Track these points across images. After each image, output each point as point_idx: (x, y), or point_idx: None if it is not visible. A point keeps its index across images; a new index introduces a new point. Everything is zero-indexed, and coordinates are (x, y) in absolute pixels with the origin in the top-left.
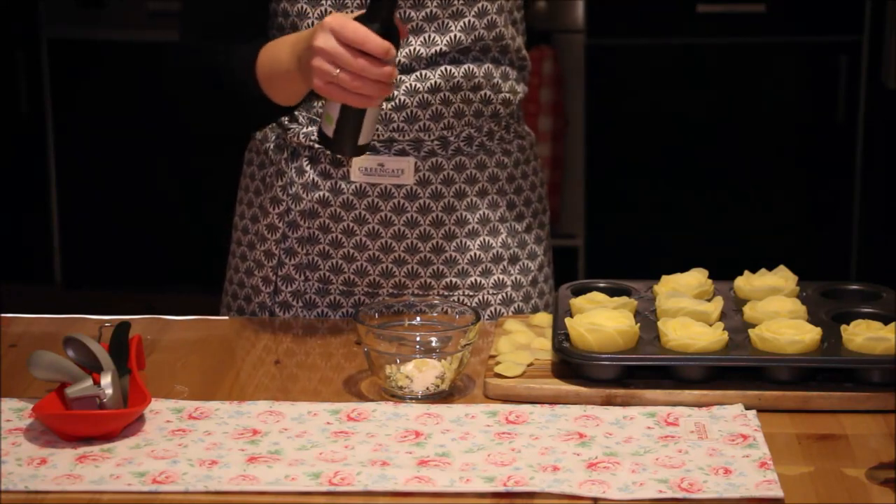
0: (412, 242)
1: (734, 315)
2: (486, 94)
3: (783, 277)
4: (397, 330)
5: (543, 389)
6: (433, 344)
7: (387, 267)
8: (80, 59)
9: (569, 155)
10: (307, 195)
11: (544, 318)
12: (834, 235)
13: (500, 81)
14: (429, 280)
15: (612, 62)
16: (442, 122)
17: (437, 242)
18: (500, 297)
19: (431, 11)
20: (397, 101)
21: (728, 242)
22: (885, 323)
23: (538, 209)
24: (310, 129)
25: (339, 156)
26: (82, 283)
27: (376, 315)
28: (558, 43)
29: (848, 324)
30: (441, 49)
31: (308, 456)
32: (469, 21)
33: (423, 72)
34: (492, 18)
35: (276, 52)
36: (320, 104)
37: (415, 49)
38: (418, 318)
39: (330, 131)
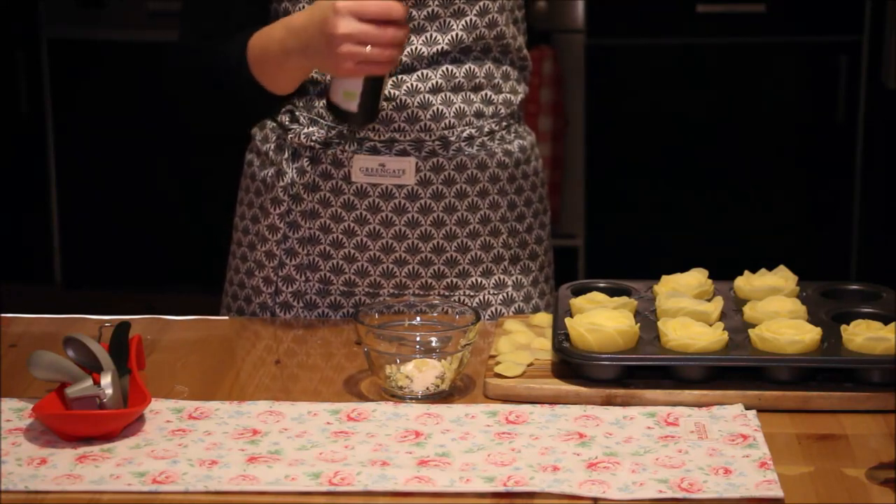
0: (413, 243)
1: (734, 315)
2: (487, 94)
3: (783, 277)
4: (397, 330)
5: (543, 389)
6: (433, 344)
7: (388, 267)
8: (80, 59)
9: (569, 155)
10: (308, 195)
11: (544, 318)
12: (834, 235)
13: (501, 81)
14: (430, 280)
15: (612, 62)
16: (443, 122)
17: (438, 242)
18: (500, 297)
19: (433, 10)
20: (398, 100)
21: (728, 242)
22: (885, 323)
23: (539, 209)
24: (311, 129)
25: (356, 128)
26: (82, 283)
27: (376, 315)
28: (558, 43)
29: (848, 324)
30: (443, 48)
31: (308, 456)
32: (470, 20)
33: (425, 71)
34: (493, 17)
35: (266, 44)
36: (321, 104)
37: (416, 48)
38: (418, 318)
39: (353, 106)
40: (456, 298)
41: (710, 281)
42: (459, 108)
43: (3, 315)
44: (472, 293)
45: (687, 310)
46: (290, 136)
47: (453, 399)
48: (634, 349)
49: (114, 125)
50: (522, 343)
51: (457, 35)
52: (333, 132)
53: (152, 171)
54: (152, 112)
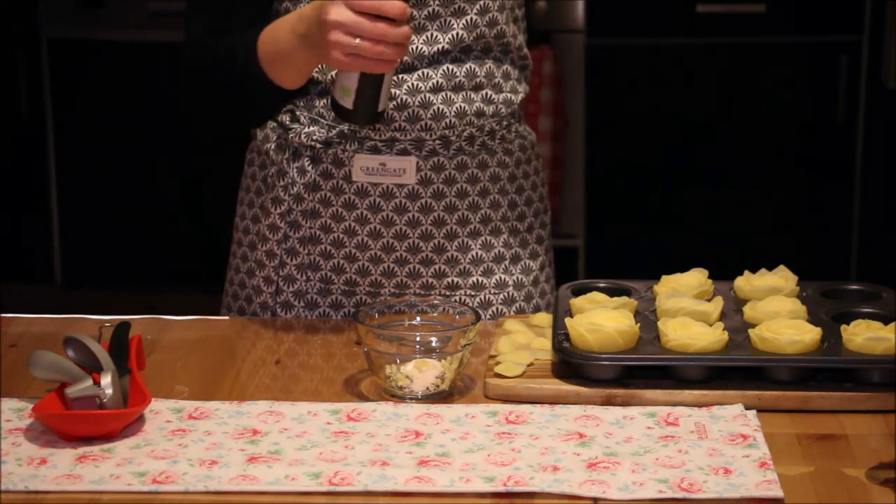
0: (414, 242)
1: (734, 315)
2: (487, 93)
3: (783, 277)
4: (397, 330)
5: (543, 389)
6: (433, 344)
7: (388, 266)
8: (80, 59)
9: (569, 155)
10: (309, 195)
11: (544, 318)
12: (834, 235)
13: (501, 81)
14: (430, 280)
15: (612, 62)
16: (443, 121)
17: (439, 242)
18: (501, 296)
19: (434, 10)
20: (399, 100)
21: (728, 242)
22: (885, 323)
23: (540, 209)
24: (311, 128)
25: (357, 126)
26: (82, 283)
27: (376, 315)
28: (558, 43)
29: (848, 324)
30: (443, 47)
31: (308, 456)
32: (471, 19)
33: (425, 71)
34: (493, 16)
35: (276, 35)
36: (322, 104)
37: (417, 48)
38: (418, 318)
39: (349, 103)
40: (457, 298)
41: (710, 281)
42: (460, 107)
43: (3, 315)
44: (473, 293)
45: (687, 310)
46: (290, 135)
47: (453, 399)
48: (634, 349)
49: (114, 125)
50: (522, 343)
51: (457, 34)
52: (334, 132)
53: (152, 171)
54: (152, 112)
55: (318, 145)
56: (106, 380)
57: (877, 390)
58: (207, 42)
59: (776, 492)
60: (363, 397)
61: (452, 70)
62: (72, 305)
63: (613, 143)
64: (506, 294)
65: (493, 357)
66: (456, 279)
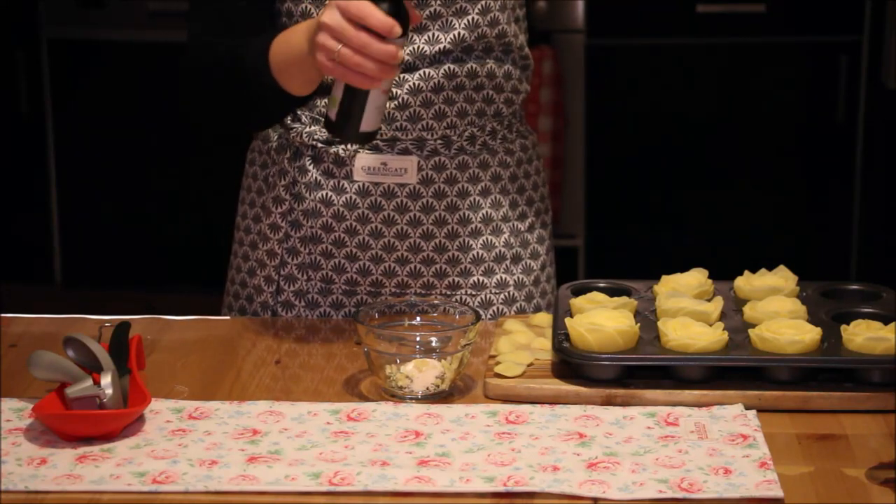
0: (415, 241)
1: (734, 315)
2: (489, 93)
3: (783, 277)
4: (397, 330)
5: (543, 389)
6: (433, 344)
7: (389, 266)
8: (80, 59)
9: (569, 155)
10: (310, 194)
11: (544, 318)
12: (834, 235)
13: (502, 80)
14: (431, 279)
15: (612, 62)
16: (445, 121)
17: (440, 241)
18: (502, 296)
19: (435, 10)
20: (400, 99)
21: (728, 242)
22: (885, 323)
23: (540, 208)
24: (312, 128)
25: (339, 140)
26: (82, 283)
27: (376, 315)
28: (558, 43)
29: (848, 324)
30: (445, 47)
31: (308, 456)
32: (472, 18)
33: (427, 70)
34: (495, 16)
35: (291, 38)
36: (322, 103)
37: (419, 47)
38: (418, 318)
39: (333, 114)
40: (458, 298)
41: (710, 281)
42: (461, 107)
43: (3, 315)
44: (474, 292)
45: (687, 310)
46: (292, 134)
47: (453, 399)
48: (634, 349)
49: (114, 125)
50: (522, 343)
51: (459, 34)
52: None
53: (152, 171)
54: (152, 112)
55: (320, 145)
56: (106, 380)
57: (877, 390)
58: (207, 41)
59: (776, 492)
60: (363, 397)
61: (454, 70)
62: (72, 305)
63: (613, 143)
64: (507, 294)
65: (493, 357)
66: (457, 279)
